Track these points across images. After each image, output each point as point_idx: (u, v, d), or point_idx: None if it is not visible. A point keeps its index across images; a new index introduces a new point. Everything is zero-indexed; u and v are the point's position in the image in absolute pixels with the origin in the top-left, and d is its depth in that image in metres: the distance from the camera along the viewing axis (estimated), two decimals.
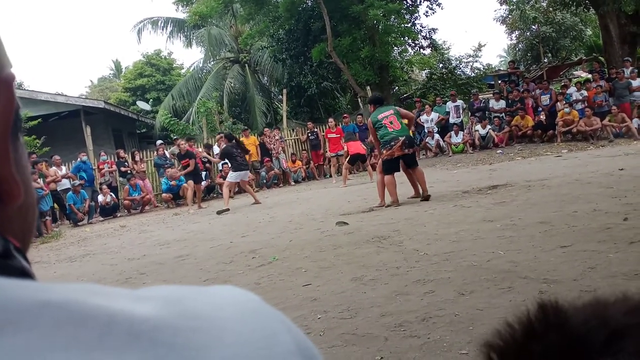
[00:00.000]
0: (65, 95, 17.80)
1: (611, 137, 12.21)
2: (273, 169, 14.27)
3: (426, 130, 14.94)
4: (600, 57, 18.77)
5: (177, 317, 0.30)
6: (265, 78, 22.90)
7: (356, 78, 16.49)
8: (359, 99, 16.89)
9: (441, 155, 14.52)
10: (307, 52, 17.91)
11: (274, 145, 14.71)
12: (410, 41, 18.96)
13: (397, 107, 7.69)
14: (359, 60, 16.49)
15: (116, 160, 14.15)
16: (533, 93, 14.62)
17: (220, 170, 13.56)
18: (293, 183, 14.31)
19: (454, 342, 2.46)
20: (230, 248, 5.76)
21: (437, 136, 14.80)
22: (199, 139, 15.99)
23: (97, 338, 0.27)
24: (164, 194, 13.09)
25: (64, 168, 13.26)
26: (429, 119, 14.92)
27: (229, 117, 19.05)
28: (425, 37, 19.12)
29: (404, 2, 18.06)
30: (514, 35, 26.96)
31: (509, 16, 25.63)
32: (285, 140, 15.51)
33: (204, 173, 13.21)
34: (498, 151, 13.23)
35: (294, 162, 14.83)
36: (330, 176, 13.88)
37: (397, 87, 21.51)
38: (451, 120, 14.86)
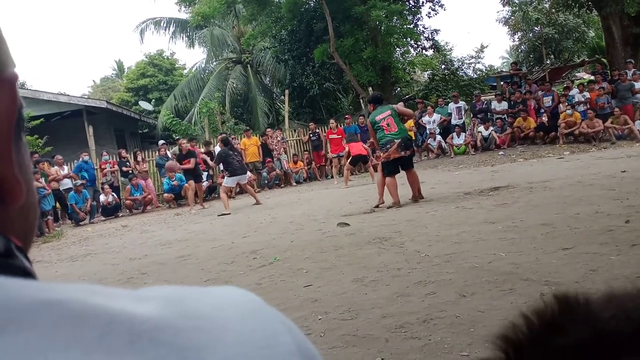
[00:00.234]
0: (68, 95, 17.82)
1: (613, 139, 12.19)
2: (274, 170, 14.27)
3: (428, 132, 14.93)
4: (602, 59, 18.74)
5: (178, 317, 0.30)
6: (268, 79, 22.92)
7: (358, 79, 16.49)
8: (361, 100, 16.88)
9: (443, 157, 14.50)
10: (309, 53, 17.92)
11: (276, 146, 14.71)
12: (412, 42, 18.97)
13: (394, 106, 7.64)
14: (361, 61, 16.50)
15: (118, 160, 14.17)
16: (535, 95, 14.59)
17: (222, 171, 13.57)
18: (294, 184, 14.31)
19: (454, 344, 2.46)
20: (232, 248, 5.77)
21: (439, 137, 14.79)
22: (200, 139, 16.00)
23: (98, 338, 0.27)
24: (165, 194, 13.10)
25: (66, 168, 13.28)
26: (431, 120, 14.91)
27: (231, 117, 19.07)
28: (427, 38, 19.14)
29: (407, 3, 18.08)
30: (516, 36, 26.94)
31: (512, 17, 25.60)
32: (287, 140, 15.52)
33: (205, 173, 13.22)
34: (500, 153, 13.21)
35: (295, 162, 14.84)
36: (332, 177, 13.89)
37: (399, 88, 21.51)
38: (453, 122, 14.84)
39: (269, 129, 15.62)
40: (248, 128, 16.54)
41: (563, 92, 14.29)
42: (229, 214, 9.28)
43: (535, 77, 19.17)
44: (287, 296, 3.64)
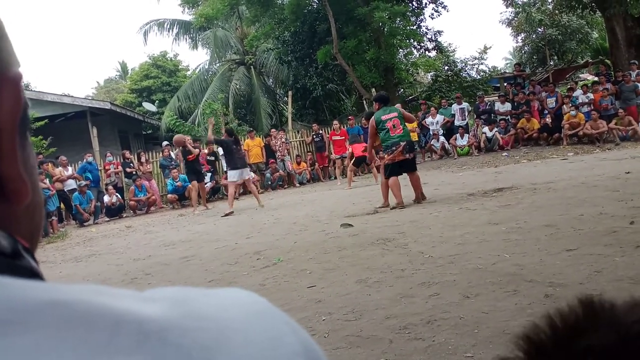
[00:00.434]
0: (72, 97, 17.87)
1: (617, 140, 12.15)
2: (278, 171, 14.28)
3: (431, 133, 14.92)
4: (606, 60, 18.69)
5: (184, 317, 0.30)
6: (271, 80, 22.94)
7: (361, 80, 16.49)
8: (364, 101, 16.88)
9: (446, 158, 14.48)
10: (312, 54, 17.93)
11: (280, 147, 14.72)
12: (415, 43, 18.97)
13: (401, 109, 7.69)
14: (364, 62, 16.50)
15: (122, 161, 14.21)
16: (539, 96, 14.57)
17: (225, 172, 13.58)
18: (298, 185, 14.32)
19: (458, 345, 2.45)
20: (235, 249, 5.77)
21: (442, 138, 14.78)
22: (204, 140, 16.02)
23: (106, 338, 0.27)
24: (169, 195, 13.13)
25: (70, 169, 13.33)
26: (434, 121, 14.89)
27: (234, 118, 19.08)
28: (430, 40, 19.13)
29: (410, 4, 18.07)
30: (519, 37, 26.89)
31: (515, 19, 25.55)
32: (290, 142, 15.53)
33: (209, 174, 13.23)
34: (504, 154, 13.19)
35: (298, 163, 14.84)
36: (335, 178, 13.88)
37: (402, 89, 21.49)
38: (456, 123, 14.82)
39: (273, 130, 15.63)
40: (251, 129, 16.56)
41: (567, 93, 14.24)
42: (232, 212, 9.27)
43: (539, 78, 19.12)
44: (290, 297, 3.64)
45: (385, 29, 16.97)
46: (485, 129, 14.40)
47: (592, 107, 13.17)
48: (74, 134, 16.40)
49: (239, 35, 21.77)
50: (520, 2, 23.40)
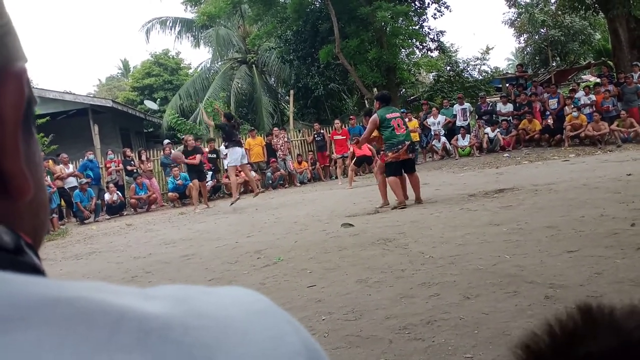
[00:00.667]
0: (74, 94, 17.88)
1: (619, 142, 12.14)
2: (279, 170, 14.28)
3: (433, 133, 14.91)
4: (609, 62, 18.67)
5: (186, 315, 0.30)
6: (273, 79, 22.95)
7: (363, 80, 16.48)
8: (366, 101, 16.88)
9: (447, 158, 14.48)
10: (314, 54, 17.93)
11: (282, 146, 14.72)
12: (417, 43, 18.95)
13: (402, 112, 7.81)
14: (367, 62, 16.50)
15: (123, 159, 14.22)
16: (541, 97, 14.55)
17: (226, 170, 13.59)
18: (299, 184, 14.32)
19: (458, 346, 2.45)
20: (236, 248, 5.77)
21: (443, 139, 14.77)
22: (205, 138, 16.04)
23: (107, 335, 0.27)
24: (170, 193, 13.14)
25: (71, 166, 13.35)
26: (436, 121, 14.89)
27: (235, 117, 19.07)
28: (433, 40, 19.11)
29: (412, 4, 18.06)
30: (522, 38, 26.88)
31: (518, 19, 25.55)
32: (292, 141, 15.53)
33: (210, 173, 13.24)
34: (505, 155, 13.18)
35: (300, 163, 14.84)
36: (336, 178, 13.88)
37: (404, 89, 21.49)
38: (458, 123, 14.81)
39: (275, 129, 15.63)
40: (253, 128, 16.56)
41: (569, 95, 14.23)
42: (239, 198, 9.24)
43: (541, 79, 19.13)
44: (290, 296, 3.64)
45: (388, 29, 16.96)
46: (488, 129, 14.39)
47: (594, 109, 13.16)
48: (76, 131, 16.41)
49: (241, 34, 21.78)
50: (523, 3, 23.40)
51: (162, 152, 14.29)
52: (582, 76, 22.53)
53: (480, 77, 20.94)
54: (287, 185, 14.32)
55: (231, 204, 9.29)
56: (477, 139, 14.41)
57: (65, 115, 16.72)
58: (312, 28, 17.99)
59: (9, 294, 0.27)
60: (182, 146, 12.99)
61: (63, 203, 12.50)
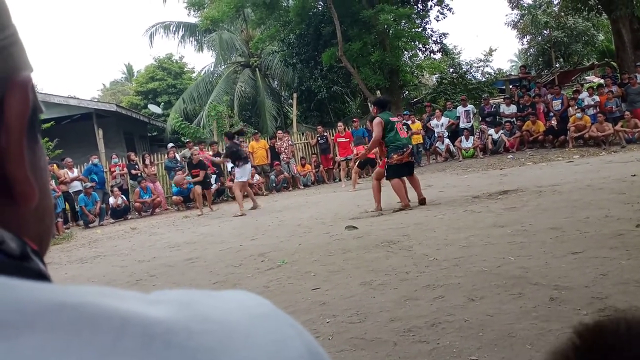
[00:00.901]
0: (78, 99, 17.96)
1: (623, 143, 12.10)
2: (282, 173, 14.29)
3: (436, 135, 14.90)
4: (612, 62, 18.62)
5: (189, 320, 0.30)
6: (276, 82, 22.98)
7: (366, 82, 16.49)
8: (369, 104, 16.87)
9: (451, 160, 14.46)
10: (317, 57, 17.95)
11: (285, 149, 14.74)
12: (420, 46, 18.96)
13: (404, 114, 7.93)
14: (369, 64, 16.50)
15: (127, 163, 14.26)
16: (544, 98, 14.52)
17: (230, 173, 13.60)
18: (302, 187, 14.32)
19: (463, 348, 2.44)
20: (240, 251, 5.78)
21: (447, 141, 14.76)
22: (208, 142, 16.07)
23: (112, 340, 0.27)
24: (174, 197, 13.17)
25: (75, 170, 13.40)
26: (439, 123, 14.87)
27: (239, 120, 19.12)
28: (435, 42, 19.11)
29: (415, 6, 18.07)
30: (525, 40, 26.81)
31: (521, 21, 25.49)
32: (295, 144, 15.54)
33: (213, 177, 13.25)
34: (509, 156, 13.15)
35: (303, 166, 14.85)
36: (340, 180, 13.88)
37: (407, 92, 21.49)
38: (461, 125, 14.80)
39: (279, 132, 15.65)
40: (256, 131, 16.58)
41: (572, 96, 14.20)
42: (245, 215, 9.30)
43: (545, 80, 19.08)
44: (295, 299, 3.64)
45: (391, 32, 16.96)
46: (491, 130, 14.38)
47: (598, 110, 13.12)
48: (80, 135, 16.47)
49: (245, 38, 21.83)
50: (525, 4, 23.34)
51: (166, 156, 14.32)
52: (586, 77, 22.47)
53: (484, 79, 20.91)
54: (290, 188, 14.32)
55: (235, 215, 9.34)
56: (481, 141, 14.39)
57: (69, 119, 16.79)
58: (314, 31, 18.02)
59: (15, 299, 0.27)
60: (186, 150, 13.03)
61: (67, 207, 12.54)
